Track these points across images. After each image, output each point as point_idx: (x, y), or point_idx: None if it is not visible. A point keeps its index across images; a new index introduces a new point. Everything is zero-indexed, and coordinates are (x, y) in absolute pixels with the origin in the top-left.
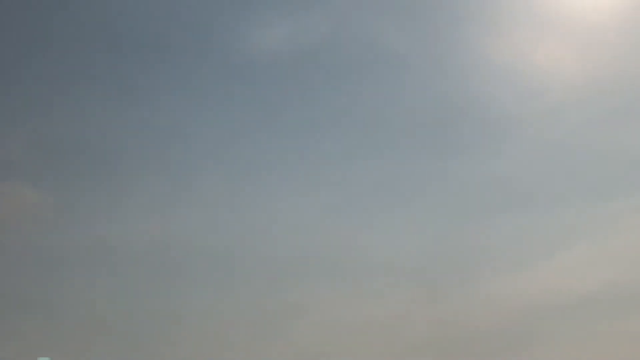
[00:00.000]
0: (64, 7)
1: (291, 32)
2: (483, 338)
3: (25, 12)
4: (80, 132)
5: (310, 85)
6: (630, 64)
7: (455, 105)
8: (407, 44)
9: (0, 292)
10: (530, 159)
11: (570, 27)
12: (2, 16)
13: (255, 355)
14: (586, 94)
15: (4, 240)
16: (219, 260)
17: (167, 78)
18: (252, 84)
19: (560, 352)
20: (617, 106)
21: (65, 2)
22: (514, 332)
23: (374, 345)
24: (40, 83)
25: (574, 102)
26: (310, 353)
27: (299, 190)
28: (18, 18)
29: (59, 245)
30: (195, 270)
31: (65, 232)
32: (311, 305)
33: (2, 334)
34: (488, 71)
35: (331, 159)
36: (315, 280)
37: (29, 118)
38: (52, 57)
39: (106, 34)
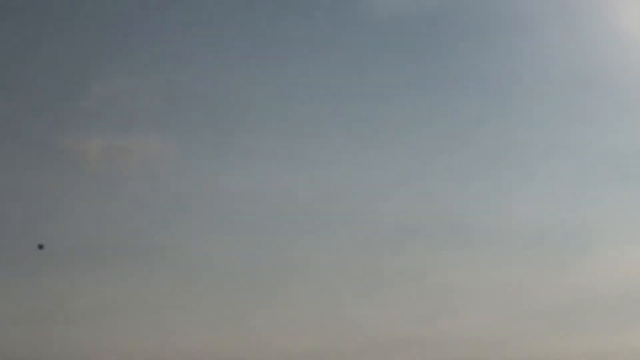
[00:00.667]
0: None
1: None
2: (603, 306)
3: None
4: (212, 86)
5: (438, 46)
6: None
7: (584, 73)
8: (536, 10)
9: (129, 237)
10: None
11: None
12: None
13: (365, 316)
14: None
15: (133, 187)
16: (339, 220)
17: (305, 37)
18: (384, 43)
19: None
20: None
21: None
22: (635, 301)
23: (492, 312)
24: (175, 37)
25: None
26: (425, 317)
27: (423, 154)
28: None
29: (185, 193)
30: (312, 226)
31: (189, 181)
32: (428, 269)
33: (133, 277)
34: (618, 39)
35: (459, 122)
36: (432, 245)
37: (161, 70)
38: (190, 10)
39: None
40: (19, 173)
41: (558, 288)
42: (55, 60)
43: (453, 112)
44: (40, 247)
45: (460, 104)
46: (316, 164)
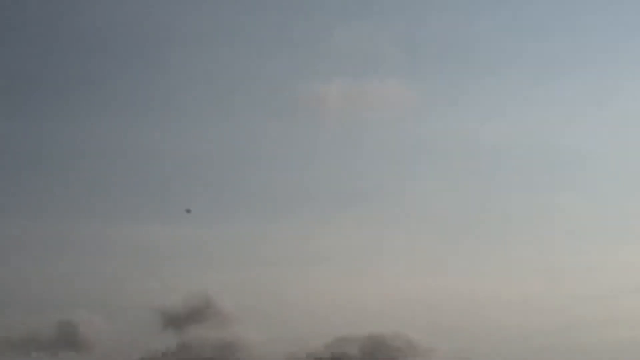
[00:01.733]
0: None
1: None
2: None
3: None
4: (453, 30)
5: None
6: None
7: None
8: None
9: (365, 183)
10: None
11: None
12: None
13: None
14: None
15: (373, 133)
16: (575, 159)
17: None
18: None
19: None
20: None
21: None
22: None
23: None
24: None
25: None
26: None
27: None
28: None
29: (426, 139)
30: (553, 169)
31: (430, 127)
32: None
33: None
34: None
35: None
36: None
37: (401, 16)
38: None
39: None
40: (259, 119)
41: None
42: (298, 4)
43: None
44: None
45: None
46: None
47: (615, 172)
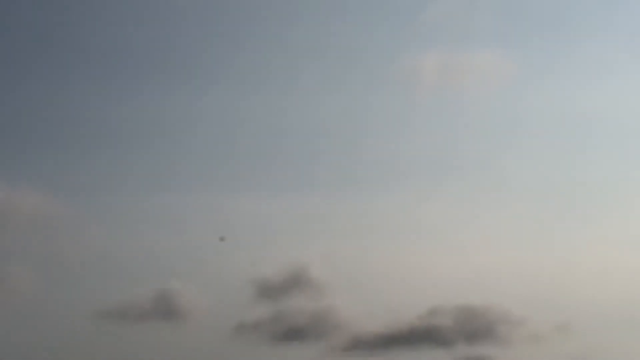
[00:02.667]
0: None
1: None
2: None
3: None
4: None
5: None
6: None
7: None
8: None
9: (460, 154)
10: None
11: None
12: None
13: None
14: None
15: (470, 104)
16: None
17: None
18: None
19: None
20: None
21: None
22: None
23: None
24: None
25: None
26: None
27: None
28: None
29: (522, 107)
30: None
31: (530, 98)
32: None
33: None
34: None
35: None
36: None
37: None
38: None
39: None
40: (357, 91)
41: None
42: None
43: None
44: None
45: None
46: None
47: None
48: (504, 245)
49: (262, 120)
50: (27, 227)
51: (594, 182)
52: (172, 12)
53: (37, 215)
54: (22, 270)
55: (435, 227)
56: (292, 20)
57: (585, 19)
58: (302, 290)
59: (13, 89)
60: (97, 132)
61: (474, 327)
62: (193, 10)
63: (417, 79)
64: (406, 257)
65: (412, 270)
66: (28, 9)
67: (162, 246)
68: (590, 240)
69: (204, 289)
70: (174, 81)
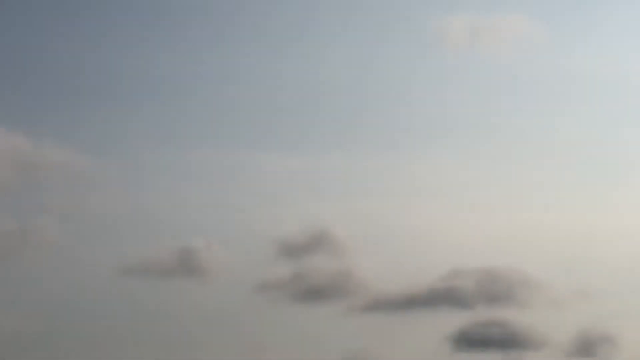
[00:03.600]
0: None
1: None
2: None
3: None
4: None
5: None
6: None
7: None
8: None
9: (486, 116)
10: None
11: None
12: None
13: None
14: None
15: (499, 67)
16: None
17: None
18: None
19: None
20: None
21: None
22: None
23: None
24: None
25: None
26: None
27: None
28: None
29: (550, 72)
30: None
31: (553, 61)
32: None
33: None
34: None
35: None
36: None
37: None
38: None
39: None
40: (383, 51)
41: None
42: None
43: None
44: None
45: None
46: None
47: None
48: (526, 207)
49: (287, 78)
50: (54, 182)
51: (620, 145)
52: None
53: (63, 170)
54: (48, 224)
55: (458, 188)
56: None
57: None
58: (323, 250)
59: (40, 42)
60: (125, 86)
61: (494, 290)
62: None
63: (445, 41)
64: (428, 217)
65: (433, 231)
66: None
67: (185, 203)
68: (614, 203)
69: (227, 246)
70: (201, 37)
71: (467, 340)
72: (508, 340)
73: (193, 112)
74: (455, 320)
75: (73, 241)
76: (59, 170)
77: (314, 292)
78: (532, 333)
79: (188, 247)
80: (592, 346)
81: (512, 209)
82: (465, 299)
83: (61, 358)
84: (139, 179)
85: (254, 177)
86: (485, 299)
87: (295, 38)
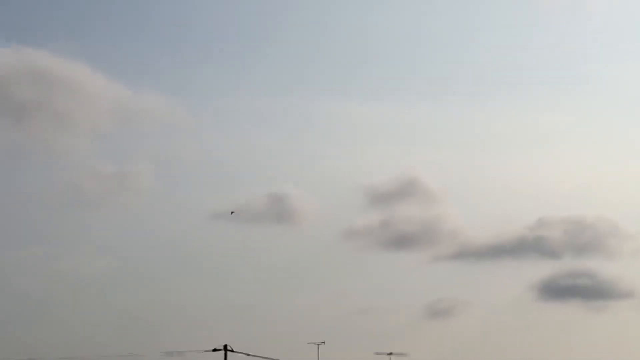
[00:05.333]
0: None
1: None
2: None
3: None
4: None
5: None
6: None
7: None
8: None
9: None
10: None
11: None
12: None
13: None
14: None
15: (593, 18)
16: None
17: None
18: None
19: None
20: None
21: None
22: None
23: None
24: None
25: None
26: None
27: None
28: None
29: None
30: None
31: None
32: None
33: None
34: None
35: None
36: None
37: None
38: None
39: None
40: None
41: None
42: None
43: None
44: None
45: None
46: None
47: None
48: (615, 156)
49: (379, 28)
50: (151, 129)
51: None
52: None
53: (160, 118)
54: (144, 169)
55: (547, 138)
56: None
57: None
58: (412, 198)
59: None
60: (219, 38)
61: (582, 240)
62: None
63: None
64: (517, 167)
65: (522, 181)
66: None
67: (276, 150)
68: None
69: (316, 193)
70: None
71: (552, 289)
72: (594, 290)
73: (284, 61)
74: (541, 269)
75: (168, 186)
76: (156, 118)
77: (402, 240)
78: (619, 283)
79: (278, 194)
80: None
81: (599, 158)
82: (552, 248)
83: (154, 299)
84: (231, 127)
85: (343, 125)
86: (572, 248)
87: None
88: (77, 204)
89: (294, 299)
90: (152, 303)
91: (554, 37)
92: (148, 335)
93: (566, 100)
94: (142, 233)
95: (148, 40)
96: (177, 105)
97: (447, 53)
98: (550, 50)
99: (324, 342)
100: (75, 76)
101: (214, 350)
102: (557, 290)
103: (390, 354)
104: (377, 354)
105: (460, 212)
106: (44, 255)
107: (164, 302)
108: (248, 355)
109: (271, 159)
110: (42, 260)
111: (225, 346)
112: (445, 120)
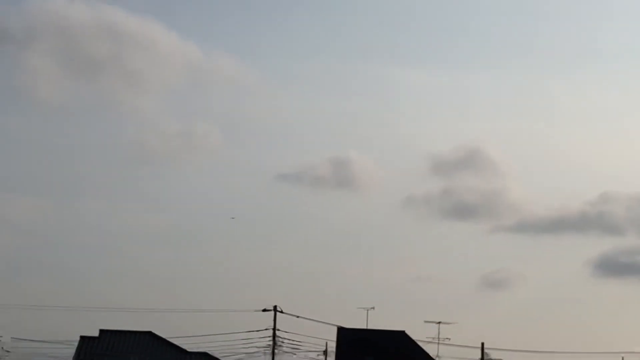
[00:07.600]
0: None
1: None
2: None
3: None
4: None
5: None
6: None
7: None
8: None
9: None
10: None
11: None
12: None
13: None
14: None
15: None
16: None
17: None
18: None
19: None
20: None
21: None
22: None
23: None
24: None
25: None
26: None
27: None
28: None
29: None
30: None
31: None
32: None
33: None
34: None
35: None
36: None
37: None
38: None
39: None
40: None
41: None
42: None
43: None
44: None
45: None
46: None
47: None
48: None
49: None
50: (219, 89)
51: None
52: None
53: (228, 78)
54: (211, 129)
55: (612, 113)
56: None
57: None
58: (475, 168)
59: None
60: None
61: None
62: None
63: None
64: (581, 141)
65: (586, 155)
66: None
67: (340, 115)
68: None
69: (379, 160)
70: None
71: (609, 266)
72: None
73: (350, 27)
74: (601, 245)
75: (233, 147)
76: (224, 78)
77: (462, 210)
78: None
79: (342, 159)
80: None
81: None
82: (615, 224)
83: (209, 257)
84: (297, 90)
85: (407, 93)
86: (635, 225)
87: None
88: (143, 161)
89: (349, 263)
90: (205, 261)
91: (618, 16)
92: (198, 292)
93: (634, 75)
94: (202, 192)
95: (223, 1)
96: (247, 67)
97: (510, 24)
98: (624, 27)
99: (373, 308)
100: (149, 34)
101: (264, 310)
102: (616, 267)
103: (440, 322)
104: (427, 322)
105: (522, 184)
106: (104, 208)
107: (217, 261)
108: (298, 317)
109: (336, 124)
110: (102, 214)
111: (275, 307)
112: (511, 91)
